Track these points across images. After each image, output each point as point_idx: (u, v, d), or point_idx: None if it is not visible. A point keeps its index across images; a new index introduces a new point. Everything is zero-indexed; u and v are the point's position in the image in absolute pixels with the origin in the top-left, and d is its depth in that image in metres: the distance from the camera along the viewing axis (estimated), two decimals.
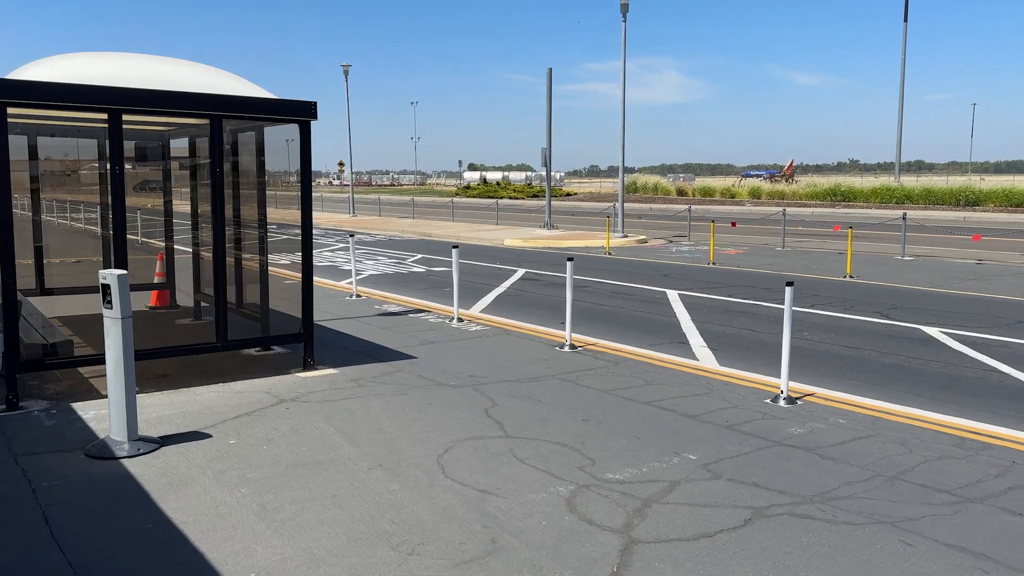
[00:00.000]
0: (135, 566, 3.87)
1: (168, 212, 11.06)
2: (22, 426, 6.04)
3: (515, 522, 4.38)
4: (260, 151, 8.59)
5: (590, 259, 19.48)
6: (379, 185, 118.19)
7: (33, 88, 6.33)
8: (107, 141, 6.65)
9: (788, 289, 6.88)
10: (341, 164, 66.67)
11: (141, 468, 5.17)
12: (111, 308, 5.35)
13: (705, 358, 8.66)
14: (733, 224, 24.13)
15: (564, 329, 9.24)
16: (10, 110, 6.28)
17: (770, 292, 13.59)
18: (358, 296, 12.98)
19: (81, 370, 7.66)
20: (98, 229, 12.97)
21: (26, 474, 5.06)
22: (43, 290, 10.07)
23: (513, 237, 25.01)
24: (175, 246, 11.19)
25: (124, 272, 5.38)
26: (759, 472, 5.20)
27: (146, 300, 11.03)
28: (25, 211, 10.03)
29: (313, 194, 8.69)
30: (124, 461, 5.29)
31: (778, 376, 7.06)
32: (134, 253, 11.13)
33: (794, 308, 6.97)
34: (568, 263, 9.17)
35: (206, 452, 5.49)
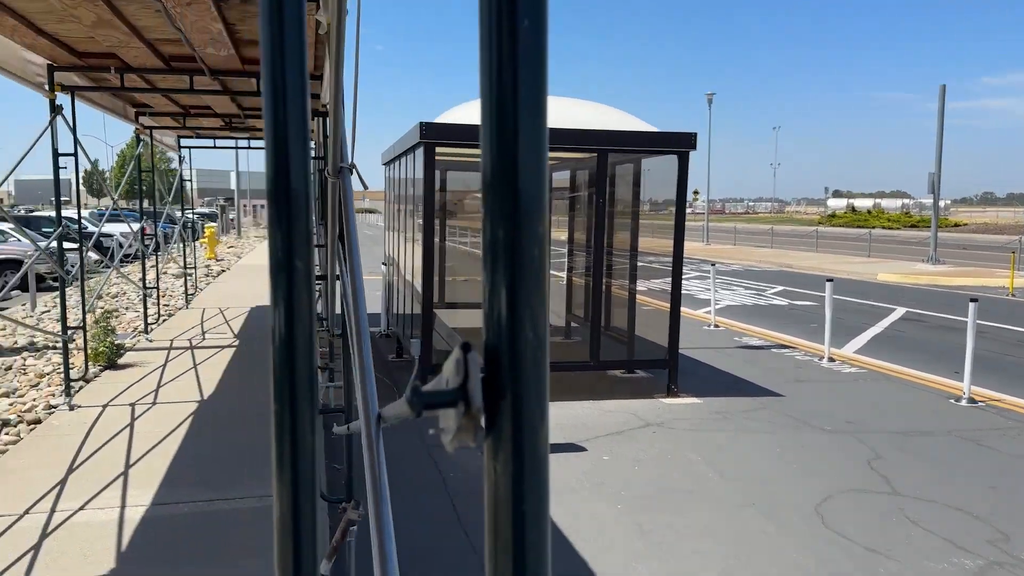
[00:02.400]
0: None
1: (546, 240, 12.05)
2: (431, 421, 7.00)
3: None
4: (636, 182, 8.97)
5: (988, 300, 16.88)
6: (732, 213, 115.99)
7: (454, 130, 7.39)
8: None
9: None
10: (696, 192, 66.91)
11: None
12: None
13: None
14: None
15: (958, 379, 8.13)
16: (437, 149, 7.41)
17: None
18: (716, 326, 12.83)
19: None
20: (479, 251, 14.57)
21: (437, 465, 5.86)
22: (445, 304, 11.60)
23: (888, 271, 22.73)
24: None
25: None
26: None
27: None
28: (433, 236, 11.69)
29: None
30: None
31: None
32: None
33: None
34: (971, 304, 8.05)
35: (583, 465, 5.84)
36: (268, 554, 2.91)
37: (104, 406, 6.46)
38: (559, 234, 12.51)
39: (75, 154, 6.27)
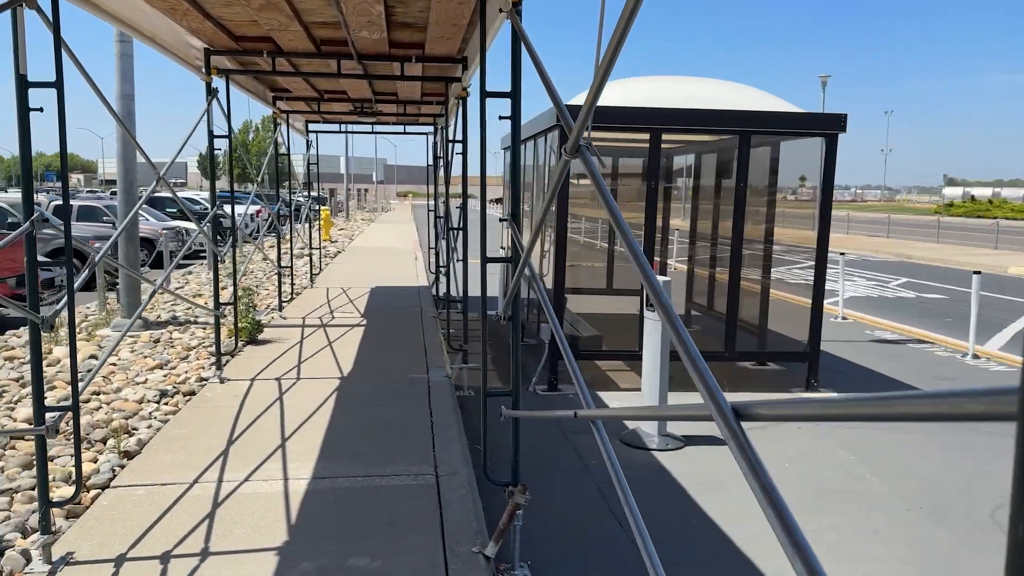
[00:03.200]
0: (691, 558, 4.12)
1: (665, 228, 11.78)
2: (563, 407, 6.95)
3: None
4: (774, 167, 8.61)
5: None
6: (839, 201, 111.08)
7: (596, 113, 7.23)
8: (647, 158, 7.28)
9: None
10: (803, 178, 64.49)
11: (671, 463, 5.53)
12: (654, 311, 5.83)
13: None
14: None
15: None
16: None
17: None
18: (844, 318, 12.26)
19: (598, 363, 8.55)
20: (581, 237, 14.40)
21: (577, 451, 5.79)
22: (568, 290, 11.51)
23: (1020, 264, 21.25)
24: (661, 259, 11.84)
25: (668, 279, 5.82)
26: None
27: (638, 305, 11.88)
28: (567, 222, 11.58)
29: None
30: (654, 453, 5.72)
31: None
32: (621, 261, 12.08)
33: None
34: None
35: (729, 458, 5.64)
36: (432, 531, 2.86)
37: (252, 380, 6.70)
38: (678, 223, 12.20)
39: (229, 136, 6.49)
